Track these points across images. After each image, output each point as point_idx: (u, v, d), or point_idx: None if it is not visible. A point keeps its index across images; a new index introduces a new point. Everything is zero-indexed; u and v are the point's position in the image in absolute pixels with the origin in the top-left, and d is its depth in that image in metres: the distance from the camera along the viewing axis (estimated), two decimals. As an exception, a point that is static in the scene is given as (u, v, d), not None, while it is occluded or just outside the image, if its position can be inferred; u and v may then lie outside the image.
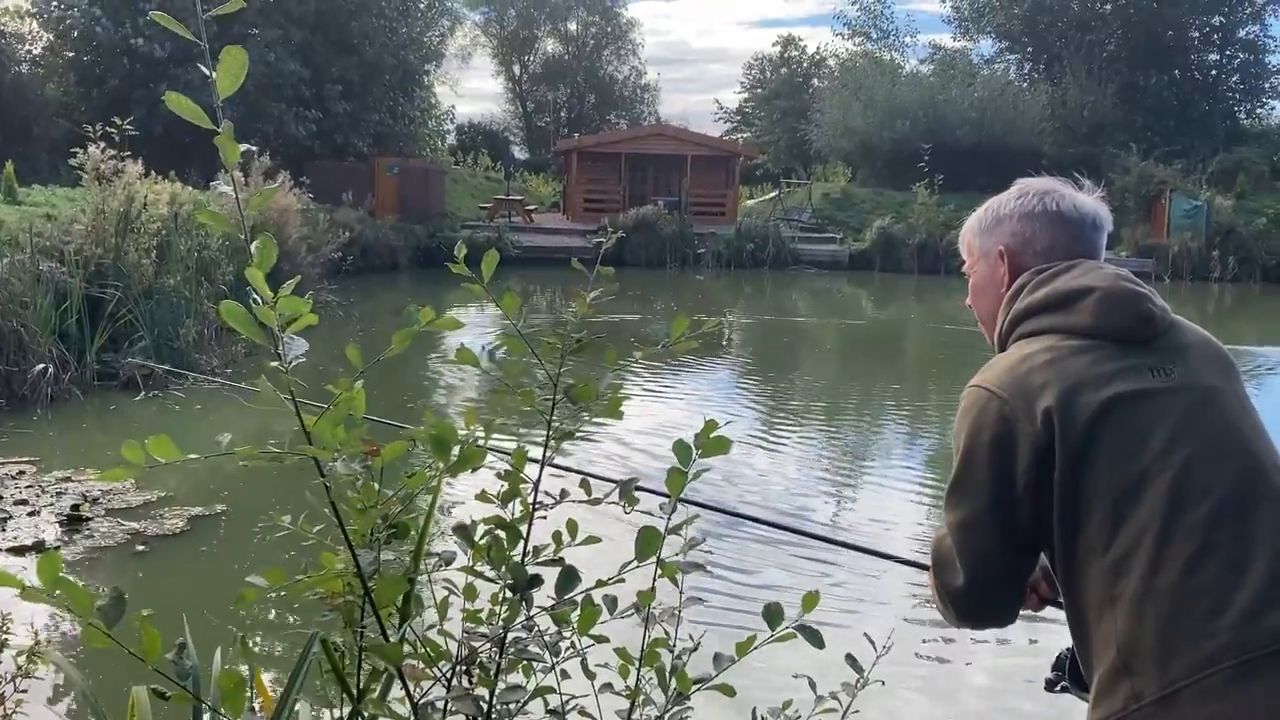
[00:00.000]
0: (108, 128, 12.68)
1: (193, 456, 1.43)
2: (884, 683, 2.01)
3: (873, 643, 2.01)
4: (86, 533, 6.64)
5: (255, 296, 1.41)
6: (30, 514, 6.94)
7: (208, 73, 1.28)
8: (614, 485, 1.72)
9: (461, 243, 1.65)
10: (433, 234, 29.89)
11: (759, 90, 61.72)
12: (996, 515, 1.66)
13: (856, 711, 1.93)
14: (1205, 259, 32.28)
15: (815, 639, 1.74)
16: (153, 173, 13.34)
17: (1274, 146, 42.29)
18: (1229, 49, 46.60)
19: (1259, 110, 47.55)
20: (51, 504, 7.13)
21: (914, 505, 8.31)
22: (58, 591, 1.35)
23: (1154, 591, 1.48)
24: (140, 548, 6.45)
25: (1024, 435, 1.61)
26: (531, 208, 35.25)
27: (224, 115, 1.30)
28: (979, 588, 1.71)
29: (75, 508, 7.00)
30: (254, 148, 1.29)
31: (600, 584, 1.74)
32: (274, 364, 1.41)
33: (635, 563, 1.73)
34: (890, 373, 15.73)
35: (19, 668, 2.54)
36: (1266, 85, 46.92)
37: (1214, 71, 46.81)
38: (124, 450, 1.38)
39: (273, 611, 5.34)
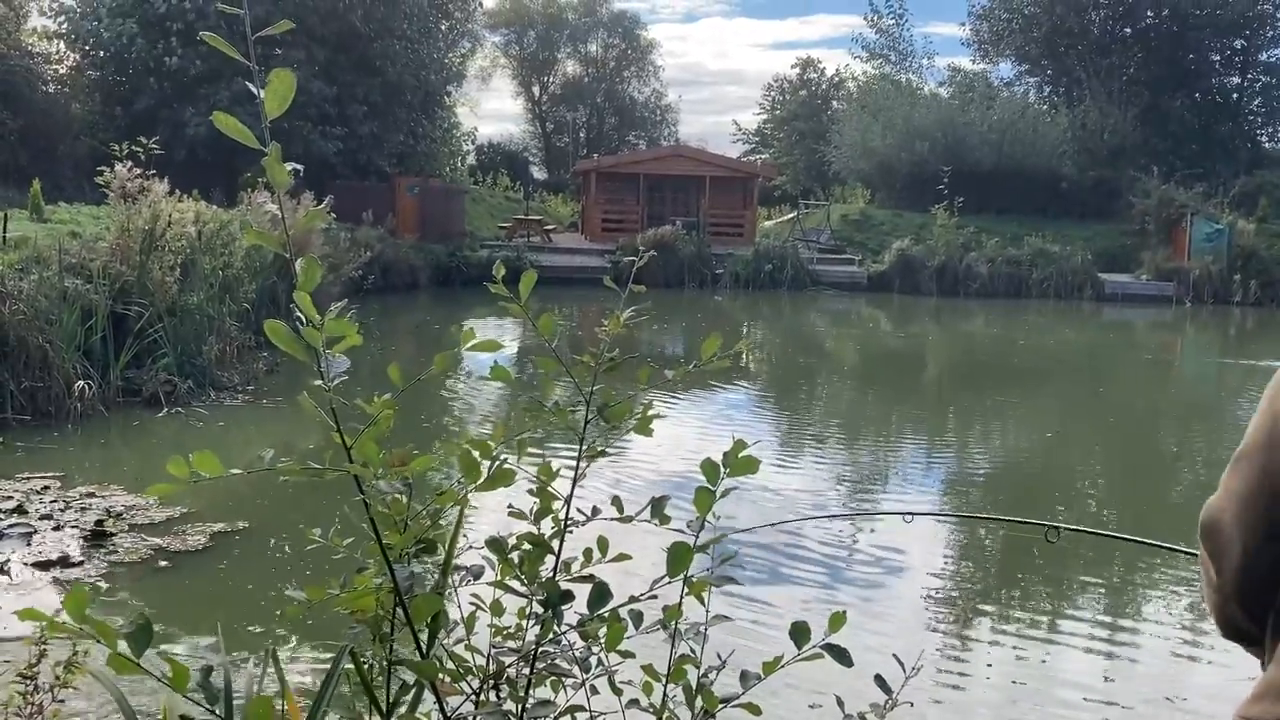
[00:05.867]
0: (133, 147, 12.81)
1: (236, 471, 1.45)
2: (912, 704, 2.01)
3: (901, 664, 2.01)
4: (110, 548, 6.69)
5: (297, 313, 1.44)
6: (55, 529, 6.99)
7: (257, 94, 1.31)
8: (648, 504, 1.73)
9: (500, 263, 1.68)
10: (452, 253, 30.05)
11: (777, 111, 61.86)
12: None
13: (883, 731, 1.93)
14: (1227, 282, 32.12)
15: (843, 658, 1.75)
16: (177, 191, 13.47)
17: (1297, 170, 42.05)
18: (1251, 72, 46.48)
19: (1281, 133, 47.37)
20: (76, 519, 7.19)
21: (929, 527, 8.29)
22: (84, 626, 1.38)
23: None
24: (163, 563, 6.48)
25: None
26: (550, 227, 35.39)
27: (269, 137, 1.33)
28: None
29: (99, 523, 7.05)
30: (300, 167, 1.31)
31: (633, 600, 1.76)
32: (318, 383, 1.43)
33: (667, 579, 1.74)
34: (908, 395, 15.69)
35: (57, 678, 2.56)
36: (1288, 109, 46.74)
37: (1235, 95, 46.66)
38: (170, 465, 1.41)
39: (302, 626, 5.36)
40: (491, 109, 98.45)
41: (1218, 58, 46.52)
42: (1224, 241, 32.90)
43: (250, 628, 5.49)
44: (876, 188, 42.63)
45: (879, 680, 1.86)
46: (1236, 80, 46.90)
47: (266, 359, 13.40)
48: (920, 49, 51.70)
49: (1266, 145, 46.41)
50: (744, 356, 17.94)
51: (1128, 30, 45.83)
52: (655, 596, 1.76)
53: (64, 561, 6.40)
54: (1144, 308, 30.70)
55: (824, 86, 59.99)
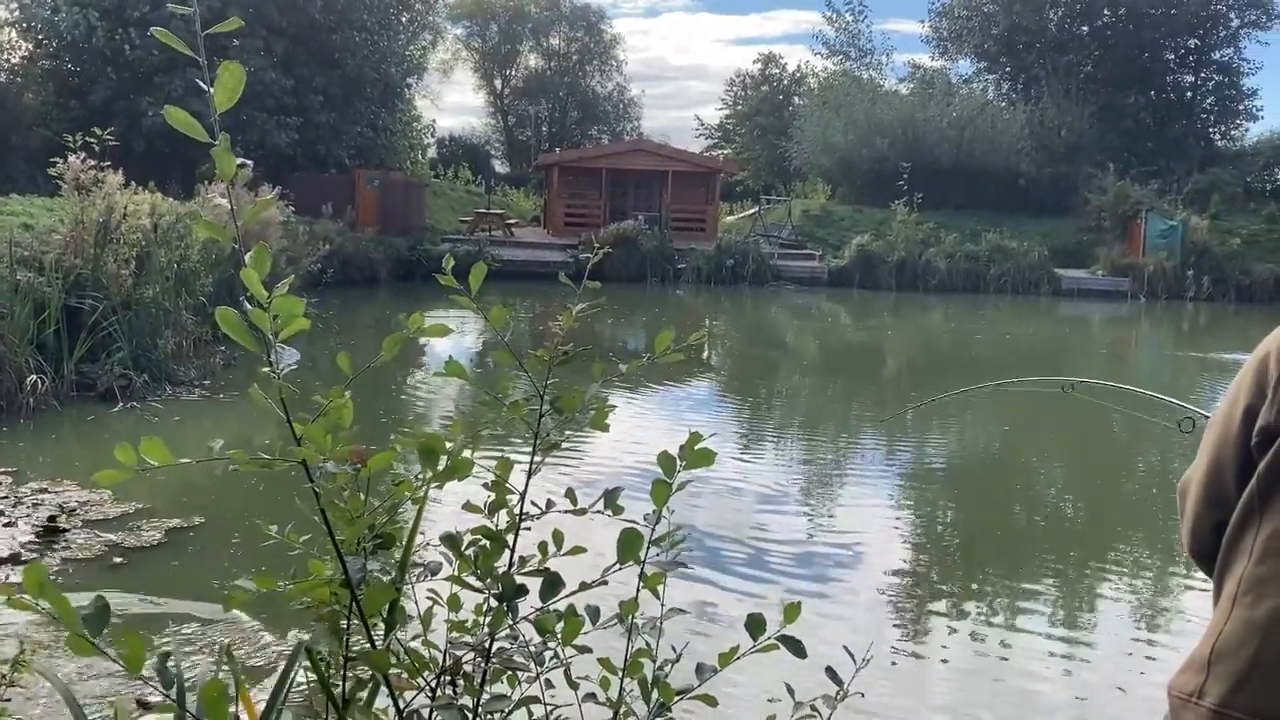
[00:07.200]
0: (88, 138, 12.63)
1: (185, 461, 1.44)
2: (864, 694, 2.03)
3: (852, 655, 2.03)
4: (63, 544, 6.59)
5: (247, 304, 1.42)
6: (6, 525, 6.88)
7: (205, 88, 1.30)
8: (601, 495, 1.73)
9: (449, 255, 1.68)
10: (413, 247, 29.90)
11: (740, 107, 62.04)
12: None
13: (836, 722, 1.94)
14: (1180, 278, 32.63)
15: (797, 649, 1.76)
16: (132, 183, 13.28)
17: (1248, 168, 42.83)
18: (1204, 71, 47.22)
19: (1233, 132, 48.20)
20: (28, 515, 7.08)
21: (888, 521, 8.35)
22: (43, 602, 1.36)
23: (1263, 626, 1.41)
24: (118, 560, 6.41)
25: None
26: (512, 222, 35.28)
27: (219, 129, 1.32)
28: None
29: (52, 519, 6.95)
30: (249, 161, 1.31)
31: (584, 586, 1.76)
32: (266, 370, 1.42)
33: (618, 565, 1.75)
34: (867, 388, 15.80)
35: (2, 676, 2.53)
36: (1240, 107, 47.54)
37: (1189, 93, 47.39)
38: (117, 452, 1.40)
39: (258, 624, 5.32)
40: (453, 102, 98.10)
41: (1172, 56, 47.22)
42: (1177, 238, 33.41)
43: (207, 625, 5.43)
44: (837, 183, 42.89)
45: (830, 672, 1.87)
46: (1190, 79, 47.63)
47: (224, 353, 13.26)
48: (879, 46, 52.14)
49: (1219, 143, 47.18)
50: (705, 350, 17.97)
51: (1085, 29, 46.41)
52: (606, 583, 1.76)
53: (15, 559, 6.31)
54: (1099, 303, 31.09)
55: (786, 82, 60.24)
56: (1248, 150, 46.58)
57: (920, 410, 13.91)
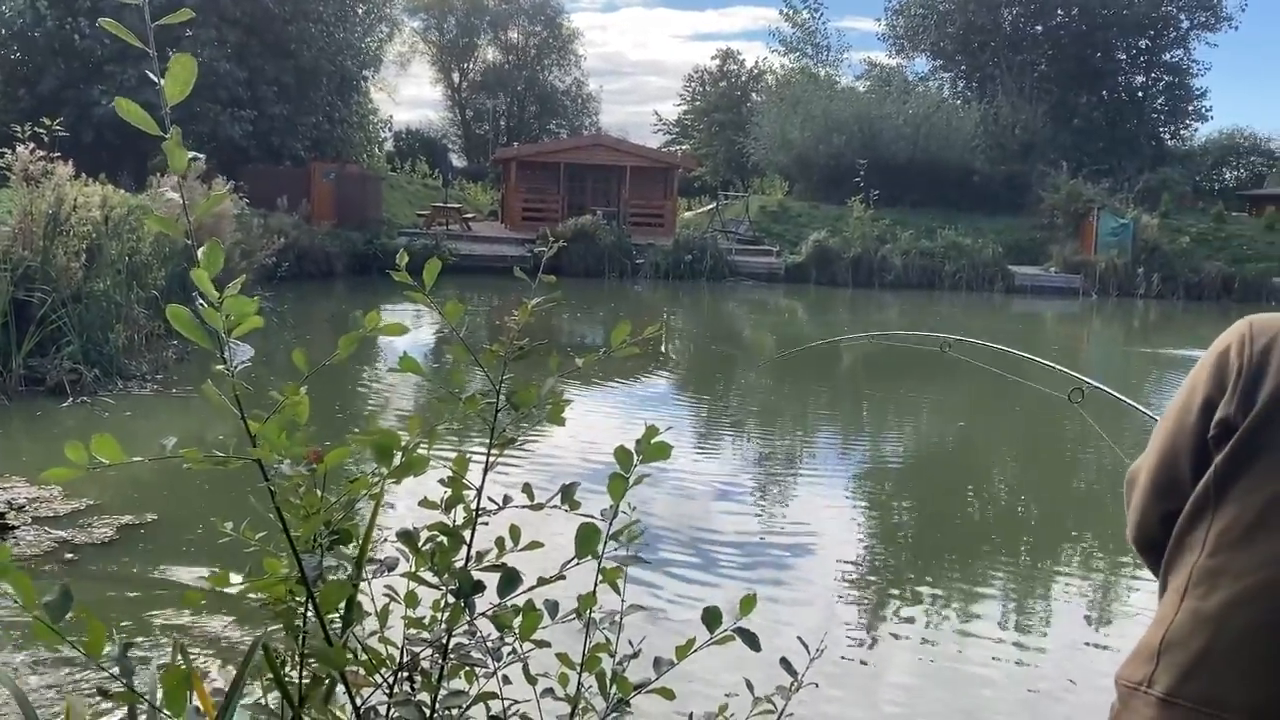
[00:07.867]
0: (36, 128, 12.40)
1: (136, 459, 1.43)
2: (818, 685, 2.05)
3: (806, 646, 2.05)
4: (12, 541, 6.48)
5: (199, 299, 1.41)
6: (-48, 522, 6.76)
7: (156, 80, 1.29)
8: (558, 491, 1.74)
9: (403, 250, 1.67)
10: (369, 241, 29.65)
11: (697, 103, 62.17)
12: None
13: (790, 715, 1.96)
14: (1131, 275, 33.14)
15: (752, 642, 1.77)
16: (83, 175, 13.06)
17: (1197, 167, 43.59)
18: (1154, 71, 47.98)
19: (1183, 132, 49.03)
20: (-26, 512, 6.96)
21: (842, 516, 8.41)
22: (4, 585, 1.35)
23: (1213, 618, 1.42)
24: (69, 556, 6.32)
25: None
26: (469, 216, 35.12)
27: (170, 121, 1.31)
28: None
29: (0, 516, 6.83)
30: (201, 155, 1.29)
31: (542, 582, 1.76)
32: (220, 367, 1.41)
33: (576, 560, 1.75)
34: (823, 382, 15.89)
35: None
36: (1190, 108, 48.35)
37: (1140, 93, 48.10)
38: (68, 450, 1.38)
39: (213, 622, 5.26)
40: (410, 95, 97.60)
41: (1124, 57, 47.93)
42: (1128, 236, 33.92)
43: (160, 623, 5.38)
44: (794, 180, 43.09)
45: (784, 663, 1.89)
46: (1141, 79, 48.39)
47: (176, 347, 13.09)
48: (836, 43, 52.45)
49: (1169, 143, 47.96)
50: (662, 345, 18.00)
51: (1039, 28, 46.97)
52: (564, 578, 1.77)
53: (-38, 556, 6.19)
54: (1052, 299, 31.49)
55: (743, 78, 60.47)
56: (1196, 150, 47.48)
57: (876, 407, 14.03)
